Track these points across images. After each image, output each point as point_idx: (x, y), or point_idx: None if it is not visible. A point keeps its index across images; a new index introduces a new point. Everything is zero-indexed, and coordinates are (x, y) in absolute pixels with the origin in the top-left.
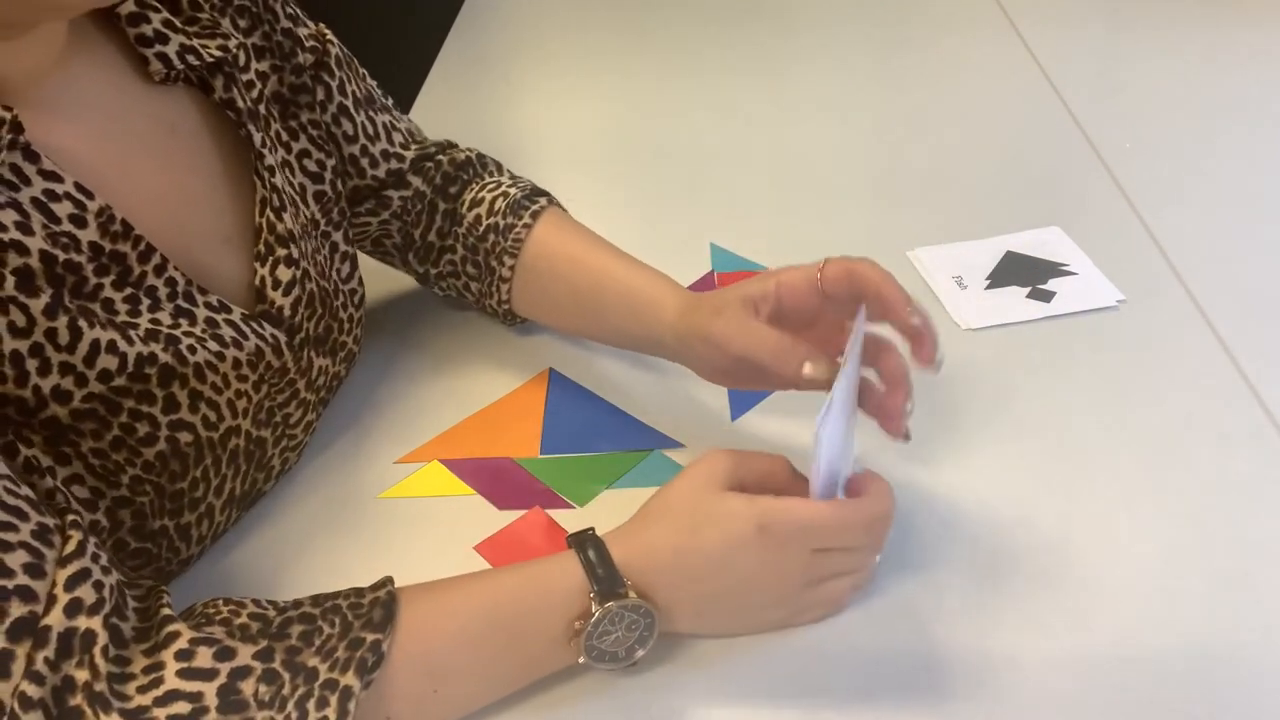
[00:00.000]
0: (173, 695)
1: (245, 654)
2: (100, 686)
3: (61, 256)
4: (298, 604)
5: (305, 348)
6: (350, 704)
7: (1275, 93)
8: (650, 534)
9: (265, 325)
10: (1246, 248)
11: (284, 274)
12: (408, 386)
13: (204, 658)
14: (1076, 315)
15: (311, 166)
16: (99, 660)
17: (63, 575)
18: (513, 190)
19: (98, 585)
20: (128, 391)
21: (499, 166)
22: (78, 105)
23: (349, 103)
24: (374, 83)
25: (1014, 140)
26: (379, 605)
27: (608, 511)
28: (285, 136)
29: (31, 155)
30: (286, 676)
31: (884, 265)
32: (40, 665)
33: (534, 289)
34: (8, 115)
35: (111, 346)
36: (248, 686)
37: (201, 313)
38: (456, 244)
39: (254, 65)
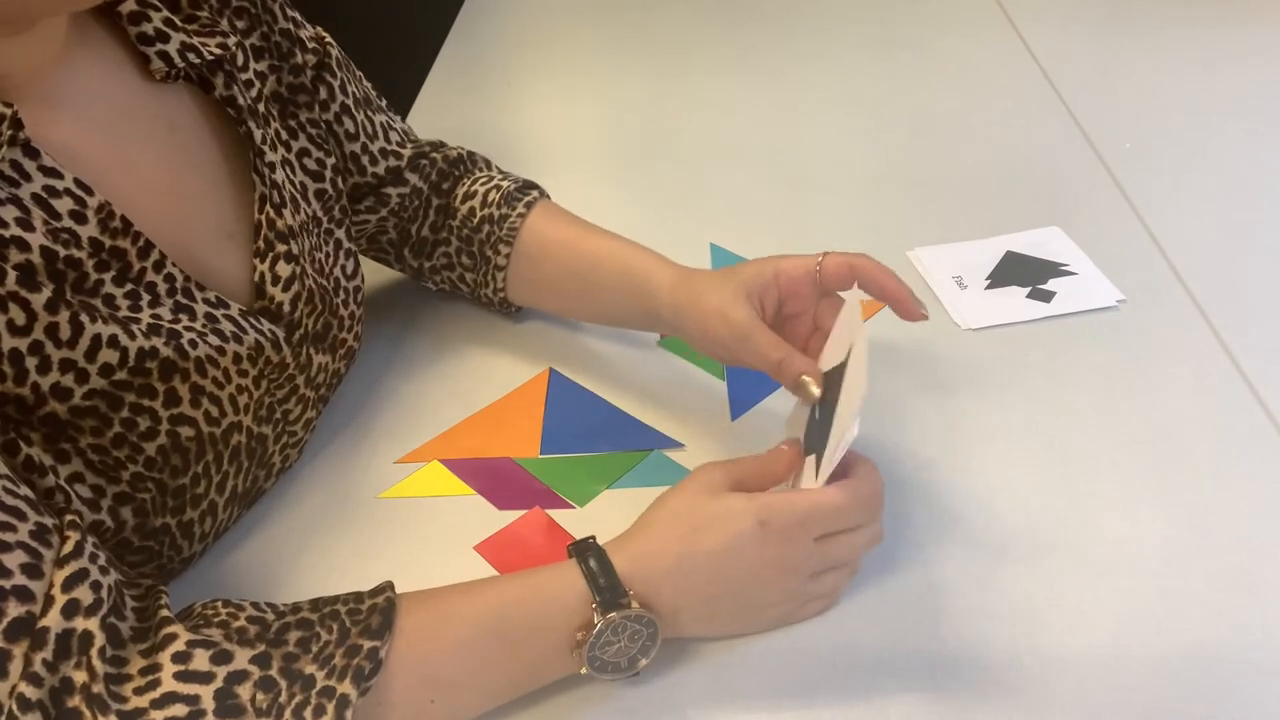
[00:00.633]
0: (170, 697)
1: (242, 658)
2: (98, 688)
3: (62, 252)
4: (296, 608)
5: (304, 344)
6: (347, 712)
7: (1275, 93)
8: (652, 540)
9: (263, 321)
10: (1246, 248)
11: (283, 270)
12: (408, 386)
13: (201, 660)
14: (1076, 315)
15: (311, 165)
16: (96, 662)
17: (60, 576)
18: (505, 183)
19: (95, 586)
20: (129, 386)
21: (488, 163)
22: (79, 102)
23: (350, 102)
24: (369, 85)
25: (1014, 140)
26: (377, 612)
27: (608, 511)
28: (285, 135)
29: (32, 151)
30: (284, 684)
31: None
32: (38, 666)
33: (529, 274)
34: (8, 111)
35: (113, 341)
36: (244, 691)
37: (201, 308)
38: (450, 236)
39: (252, 65)
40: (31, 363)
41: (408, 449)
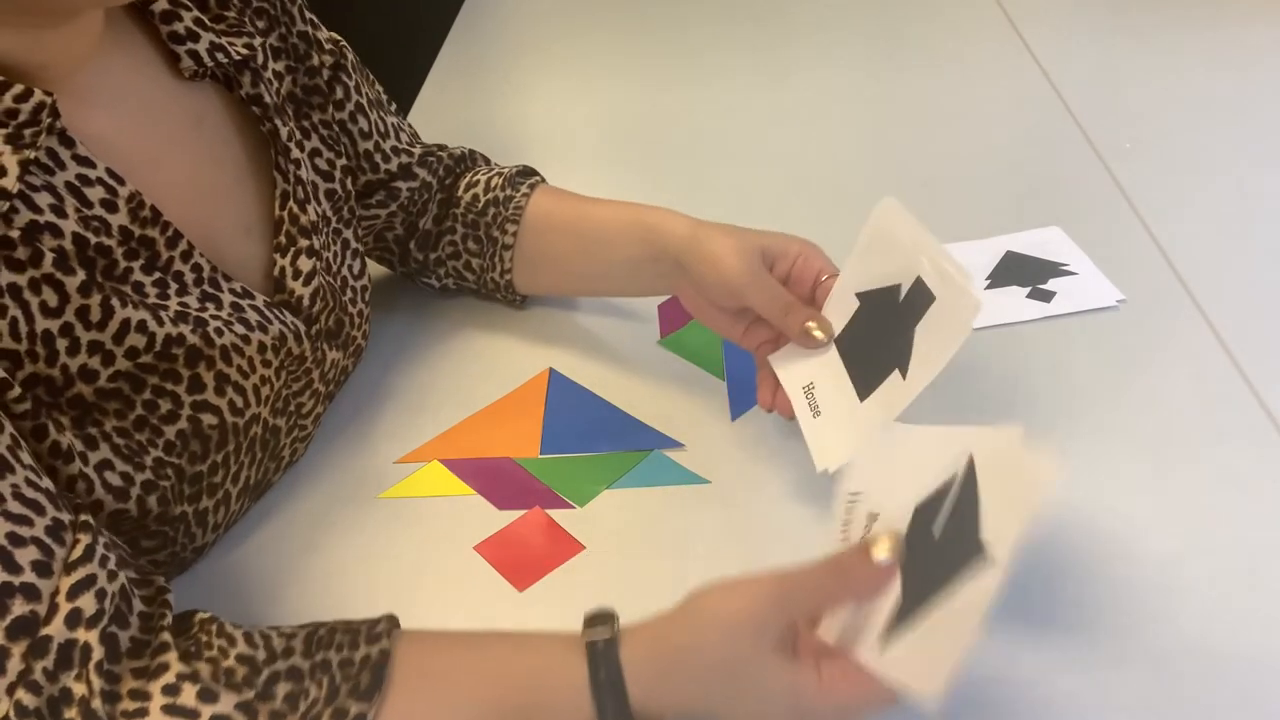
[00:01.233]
0: None
1: (228, 702)
2: (95, 703)
3: (93, 240)
4: (289, 650)
5: (320, 339)
6: None
7: (1275, 93)
8: (677, 683)
9: (285, 313)
10: (1246, 248)
11: (305, 264)
12: (408, 386)
13: (188, 695)
14: (1076, 315)
15: (322, 165)
16: (93, 676)
17: (67, 583)
18: (506, 170)
19: (100, 594)
20: (153, 369)
21: (488, 160)
22: (112, 96)
23: (364, 102)
24: (381, 89)
25: (1014, 140)
26: (369, 668)
27: (608, 511)
28: (298, 135)
29: (67, 140)
30: None
31: None
32: (38, 675)
33: (537, 249)
34: (48, 100)
35: (141, 326)
36: None
37: (227, 298)
38: (455, 224)
39: (271, 65)
40: (62, 344)
41: (408, 449)
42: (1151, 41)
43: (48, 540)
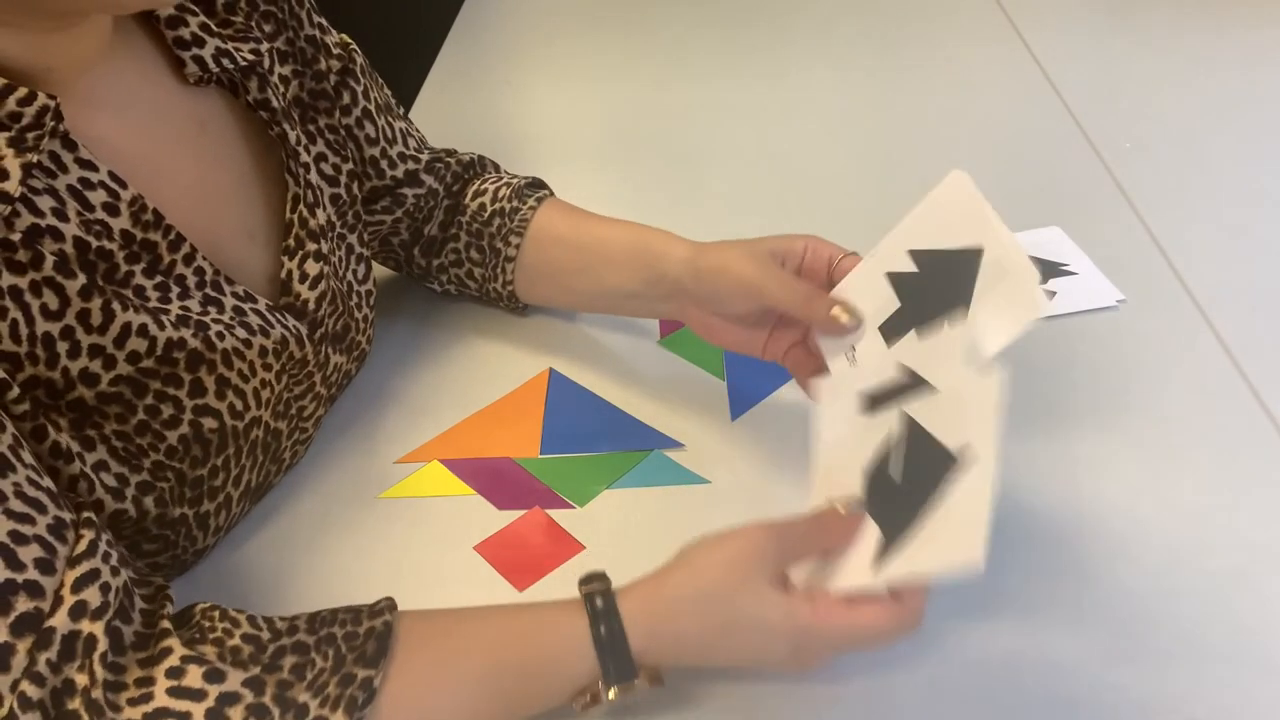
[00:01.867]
0: (162, 713)
1: (235, 679)
2: (97, 693)
3: (94, 243)
4: (293, 628)
5: (324, 343)
6: None
7: (1275, 93)
8: (677, 626)
9: (288, 317)
10: (1246, 248)
11: (312, 268)
12: (408, 386)
13: (194, 677)
14: (1076, 315)
15: (327, 170)
16: (97, 666)
17: (71, 576)
18: (515, 181)
19: (104, 588)
20: (154, 374)
21: (497, 166)
22: (117, 101)
23: (372, 108)
24: (390, 93)
25: (1014, 140)
26: (374, 637)
27: (608, 511)
28: (305, 139)
29: (70, 144)
30: (276, 712)
31: None
32: (42, 666)
33: (540, 263)
34: (51, 103)
35: (143, 330)
36: (236, 714)
37: (229, 301)
38: (460, 232)
39: (278, 69)
40: (63, 347)
41: (408, 449)
42: (1151, 41)
43: (50, 538)
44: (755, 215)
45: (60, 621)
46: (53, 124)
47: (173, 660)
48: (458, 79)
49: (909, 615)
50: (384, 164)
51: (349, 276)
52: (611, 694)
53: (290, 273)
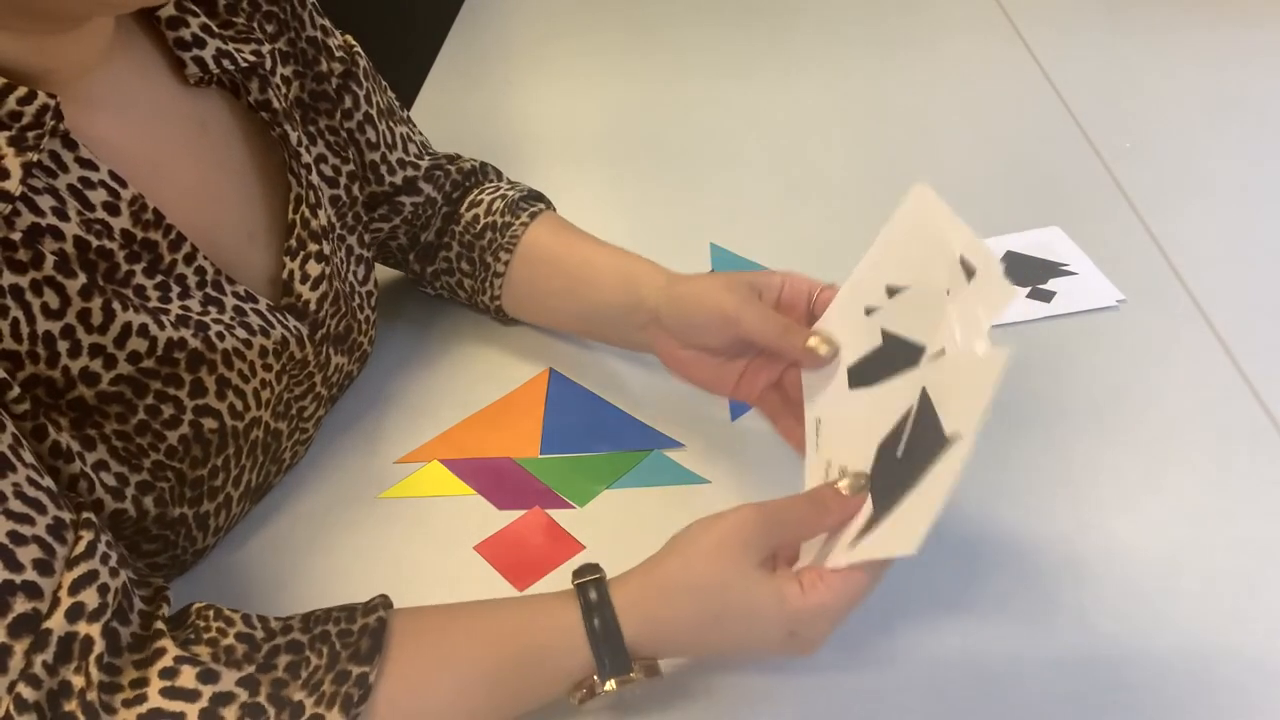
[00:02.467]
0: (156, 714)
1: (229, 679)
2: (92, 696)
3: (94, 243)
4: (288, 627)
5: (325, 344)
6: None
7: (1275, 93)
8: (669, 612)
9: (289, 317)
10: (1246, 248)
11: (313, 269)
12: (408, 387)
13: (187, 677)
14: (1076, 315)
15: (327, 171)
16: (93, 668)
17: (69, 578)
18: (511, 193)
19: (103, 589)
20: (155, 374)
21: (499, 174)
22: (117, 101)
23: (374, 111)
24: (393, 95)
25: (1014, 140)
26: (367, 634)
27: (608, 511)
28: (305, 140)
29: (70, 143)
30: (272, 711)
31: None
32: (38, 668)
33: (526, 281)
34: (51, 103)
35: (143, 330)
36: (231, 714)
37: (230, 301)
38: (452, 241)
39: (279, 70)
40: (63, 346)
41: (408, 449)
42: (1151, 41)
43: (49, 539)
44: (755, 215)
45: (57, 623)
46: (53, 123)
47: (166, 661)
48: (458, 79)
49: (876, 570)
50: (384, 169)
51: (350, 278)
52: (608, 686)
53: (292, 273)
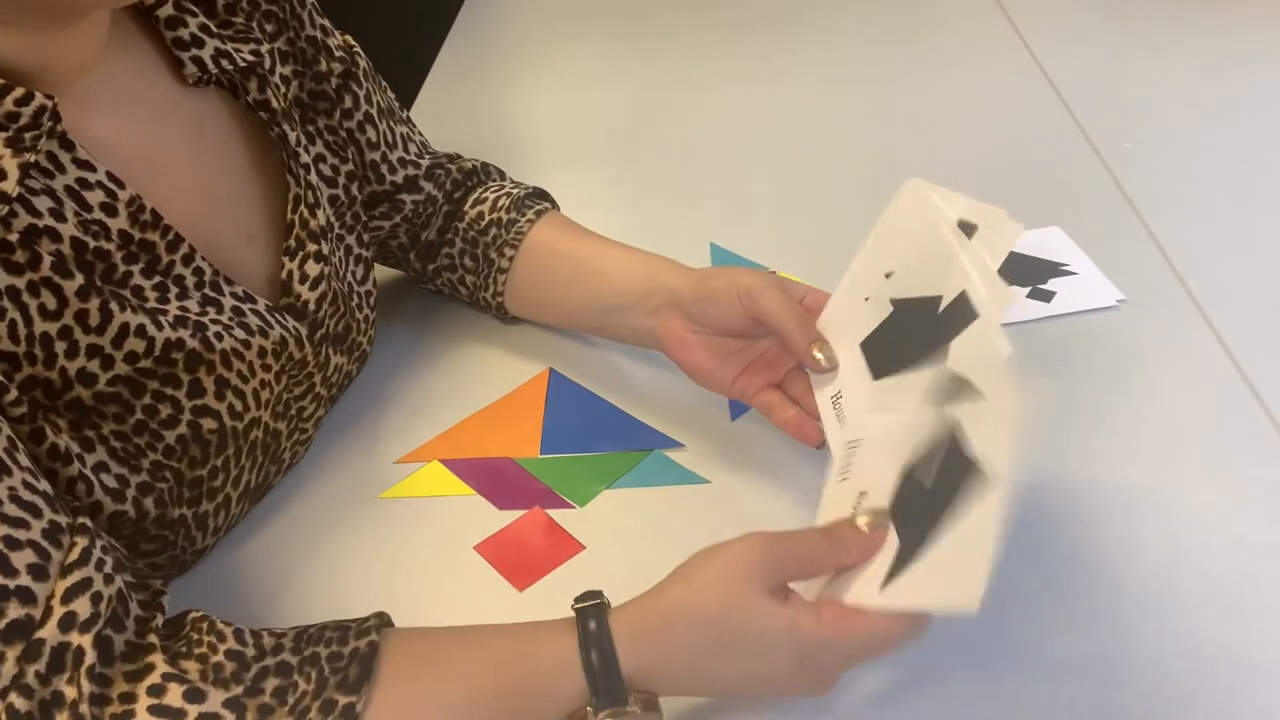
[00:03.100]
0: None
1: (215, 700)
2: (84, 707)
3: (91, 244)
4: (279, 646)
5: (325, 344)
6: None
7: (1275, 93)
8: (671, 642)
9: (288, 318)
10: (1246, 248)
11: (312, 269)
12: (408, 387)
13: (174, 695)
14: (1076, 315)
15: (326, 171)
16: (84, 680)
17: (62, 586)
18: (516, 191)
19: (95, 598)
20: (153, 374)
21: (502, 174)
22: (115, 101)
23: (374, 111)
24: (393, 95)
25: (1014, 140)
26: (357, 660)
27: (608, 511)
28: (303, 140)
29: (67, 144)
30: None
31: None
32: (31, 679)
33: (531, 277)
34: (49, 103)
35: (140, 330)
36: None
37: (228, 302)
38: (455, 238)
39: (278, 69)
40: (60, 347)
41: (408, 449)
42: (1151, 41)
43: (44, 543)
44: (755, 215)
45: (50, 633)
46: (50, 124)
47: (154, 678)
48: (458, 79)
49: (917, 622)
50: (384, 169)
51: (349, 278)
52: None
53: (290, 273)
